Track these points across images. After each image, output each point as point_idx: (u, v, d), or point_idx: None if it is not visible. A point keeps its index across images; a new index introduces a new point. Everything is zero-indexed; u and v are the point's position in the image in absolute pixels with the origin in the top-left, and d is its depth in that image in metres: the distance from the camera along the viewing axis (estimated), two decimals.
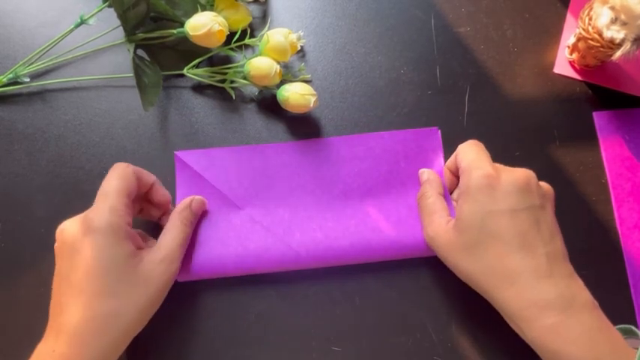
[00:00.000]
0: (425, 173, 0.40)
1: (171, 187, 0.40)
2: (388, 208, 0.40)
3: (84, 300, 0.31)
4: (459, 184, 0.36)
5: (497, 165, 0.35)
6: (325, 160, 0.41)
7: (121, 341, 0.33)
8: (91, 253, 0.32)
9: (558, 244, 0.33)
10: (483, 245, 0.32)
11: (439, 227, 0.35)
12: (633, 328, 0.33)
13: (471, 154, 0.36)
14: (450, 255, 0.34)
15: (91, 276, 0.32)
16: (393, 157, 0.41)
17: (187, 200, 0.38)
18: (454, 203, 0.39)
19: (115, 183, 0.34)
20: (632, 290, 0.39)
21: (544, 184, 0.35)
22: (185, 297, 0.39)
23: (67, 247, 0.33)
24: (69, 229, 0.33)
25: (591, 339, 0.29)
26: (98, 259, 0.32)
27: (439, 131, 0.42)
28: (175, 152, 0.41)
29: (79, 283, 0.31)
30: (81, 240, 0.32)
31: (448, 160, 0.40)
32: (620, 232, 0.40)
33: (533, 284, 0.31)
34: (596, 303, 0.31)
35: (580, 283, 0.32)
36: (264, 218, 0.40)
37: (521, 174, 0.33)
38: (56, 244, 0.34)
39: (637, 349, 0.29)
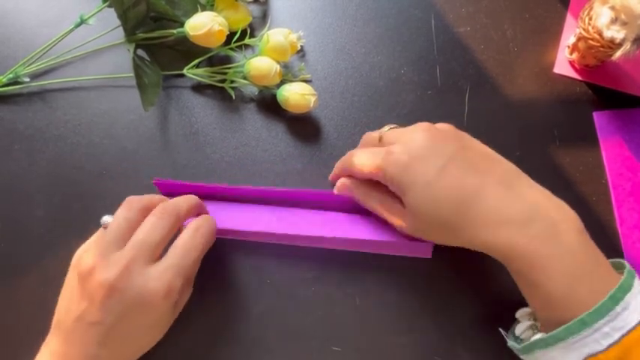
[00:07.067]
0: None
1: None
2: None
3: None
4: None
5: (392, 136, 0.35)
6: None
7: None
8: (158, 317, 0.32)
9: (502, 167, 0.32)
10: (440, 219, 0.32)
11: (399, 220, 0.35)
12: (622, 261, 0.31)
13: (364, 159, 0.35)
14: (420, 235, 0.35)
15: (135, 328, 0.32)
16: None
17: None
18: None
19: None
20: None
21: (443, 125, 0.35)
22: None
23: (135, 298, 0.31)
24: (154, 284, 0.31)
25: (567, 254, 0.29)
26: (161, 325, 0.34)
27: None
28: (153, 181, 0.39)
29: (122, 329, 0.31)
30: (160, 303, 0.31)
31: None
32: (620, 232, 0.40)
33: (491, 213, 0.30)
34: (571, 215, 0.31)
35: (545, 192, 0.31)
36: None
37: (418, 133, 0.33)
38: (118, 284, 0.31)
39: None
